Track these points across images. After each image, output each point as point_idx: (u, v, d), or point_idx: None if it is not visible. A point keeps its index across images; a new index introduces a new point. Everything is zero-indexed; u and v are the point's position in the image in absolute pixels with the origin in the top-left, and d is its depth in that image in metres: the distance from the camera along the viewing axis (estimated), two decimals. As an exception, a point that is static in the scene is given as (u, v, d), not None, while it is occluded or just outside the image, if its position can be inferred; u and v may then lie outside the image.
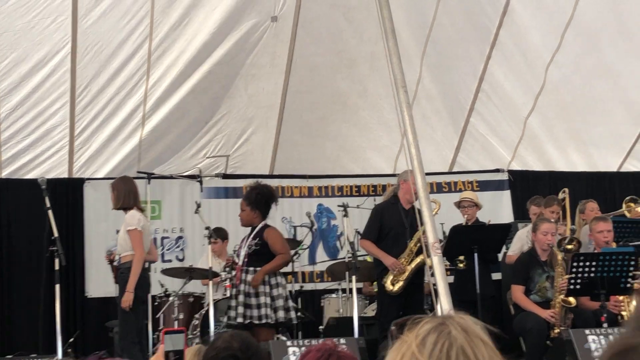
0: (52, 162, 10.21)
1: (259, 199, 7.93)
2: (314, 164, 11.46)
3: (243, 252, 7.82)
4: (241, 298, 7.66)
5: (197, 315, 8.72)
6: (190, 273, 9.12)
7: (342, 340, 6.63)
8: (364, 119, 11.23)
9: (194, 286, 9.37)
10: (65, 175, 10.37)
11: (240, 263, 7.81)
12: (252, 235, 7.87)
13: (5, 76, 9.24)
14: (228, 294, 8.53)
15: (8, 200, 10.25)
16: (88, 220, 10.47)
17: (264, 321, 7.56)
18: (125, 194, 7.87)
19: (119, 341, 7.82)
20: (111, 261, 8.48)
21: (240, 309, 7.62)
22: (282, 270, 9.68)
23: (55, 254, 7.32)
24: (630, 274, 7.55)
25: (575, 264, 7.63)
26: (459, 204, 9.45)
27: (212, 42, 9.65)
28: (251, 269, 7.73)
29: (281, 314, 7.65)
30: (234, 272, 8.18)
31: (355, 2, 9.83)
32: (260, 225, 7.91)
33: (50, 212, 7.55)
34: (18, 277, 10.14)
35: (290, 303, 7.84)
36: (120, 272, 7.78)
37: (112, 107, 9.93)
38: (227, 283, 8.74)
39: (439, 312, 6.69)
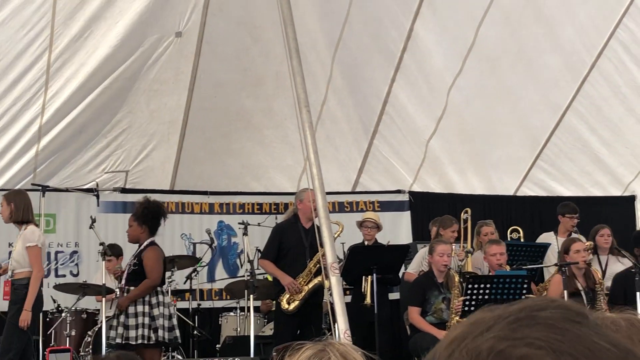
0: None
1: (146, 213, 7.87)
2: (216, 181, 11.40)
3: (125, 271, 7.71)
4: (122, 318, 7.56)
5: (90, 332, 8.55)
6: (84, 289, 8.93)
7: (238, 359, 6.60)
8: (268, 138, 11.22)
9: (88, 302, 9.17)
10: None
11: (122, 282, 7.71)
12: (134, 254, 7.79)
13: None
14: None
15: None
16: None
17: (139, 342, 7.45)
18: (24, 207, 7.67)
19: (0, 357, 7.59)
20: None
21: (120, 330, 7.52)
22: (179, 288, 9.61)
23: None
24: (524, 297, 7.71)
25: (470, 285, 7.77)
26: (360, 224, 9.52)
27: (114, 55, 9.49)
28: (131, 288, 7.64)
29: (162, 333, 7.55)
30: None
31: (261, 21, 9.82)
32: (145, 243, 7.83)
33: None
34: None
35: (174, 322, 7.74)
36: (15, 289, 7.55)
37: (8, 118, 9.67)
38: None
39: (336, 333, 6.72)
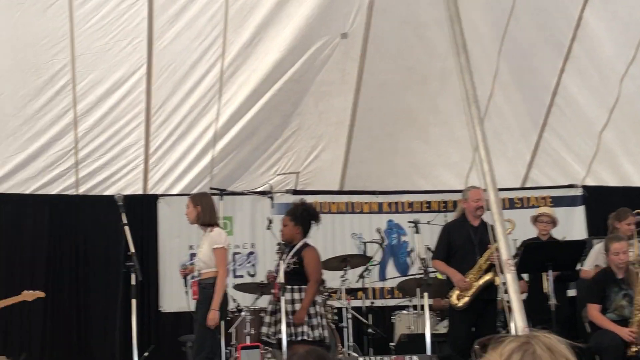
0: (128, 180, 10.42)
1: (304, 215, 8.04)
2: (384, 180, 11.46)
3: (282, 270, 7.86)
4: (278, 316, 7.75)
5: (267, 331, 8.76)
6: (261, 289, 9.18)
7: (415, 358, 6.62)
8: (434, 136, 11.19)
9: (265, 301, 9.41)
10: (140, 192, 10.58)
11: (278, 281, 7.85)
12: (292, 253, 7.93)
13: (82, 97, 9.47)
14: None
15: (85, 217, 10.47)
16: (162, 236, 10.64)
17: (299, 338, 7.60)
18: (209, 210, 7.94)
19: (194, 356, 7.88)
20: (185, 276, 8.56)
21: (278, 326, 7.71)
22: (352, 286, 9.72)
23: (132, 269, 7.44)
24: None
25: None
26: (535, 219, 9.33)
27: (283, 60, 9.75)
28: (288, 287, 7.79)
29: (318, 332, 7.72)
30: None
31: (425, 18, 9.83)
32: (300, 244, 8.00)
33: (126, 228, 7.66)
34: (95, 292, 10.34)
35: (319, 320, 7.85)
36: (202, 288, 7.83)
37: (185, 126, 10.10)
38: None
39: (513, 330, 6.63)
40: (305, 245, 8.01)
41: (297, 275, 7.83)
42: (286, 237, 8.08)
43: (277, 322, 7.77)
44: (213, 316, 7.57)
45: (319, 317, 7.80)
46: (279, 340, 7.60)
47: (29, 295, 8.46)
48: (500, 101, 10.75)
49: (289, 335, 7.62)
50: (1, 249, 10.12)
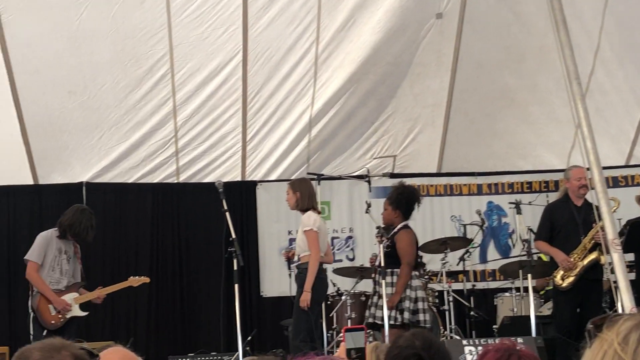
0: (226, 167, 10.56)
1: (400, 199, 8.01)
2: (483, 161, 11.31)
3: (381, 253, 7.86)
4: (375, 299, 7.77)
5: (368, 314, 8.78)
6: (361, 272, 9.20)
7: (520, 340, 6.52)
8: (533, 115, 10.98)
9: (365, 285, 9.43)
10: (239, 179, 10.70)
11: (377, 263, 7.85)
12: (389, 236, 7.91)
13: (181, 86, 9.63)
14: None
15: (186, 204, 10.67)
16: (261, 221, 10.75)
17: (391, 322, 7.59)
18: (308, 195, 8.01)
19: (291, 340, 7.97)
20: (289, 259, 8.67)
21: (373, 310, 7.76)
22: (453, 269, 9.65)
23: (234, 254, 7.54)
24: None
25: None
26: (640, 198, 9.09)
27: (377, 42, 9.70)
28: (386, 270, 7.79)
29: (407, 315, 7.67)
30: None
31: (522, -5, 9.64)
32: (398, 227, 7.98)
33: (227, 214, 7.77)
34: (198, 277, 10.53)
35: (420, 305, 7.80)
36: (299, 272, 7.93)
37: (281, 112, 10.17)
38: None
39: (620, 310, 6.48)
40: (402, 227, 7.98)
41: (391, 258, 7.84)
42: (386, 220, 8.11)
43: (375, 305, 7.80)
44: (305, 297, 7.63)
45: (415, 301, 7.75)
46: (371, 324, 7.64)
47: (135, 280, 8.67)
48: (601, 78, 10.46)
49: (388, 319, 7.60)
50: (106, 237, 10.38)
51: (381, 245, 7.81)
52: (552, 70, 9.59)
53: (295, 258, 8.18)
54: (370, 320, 7.80)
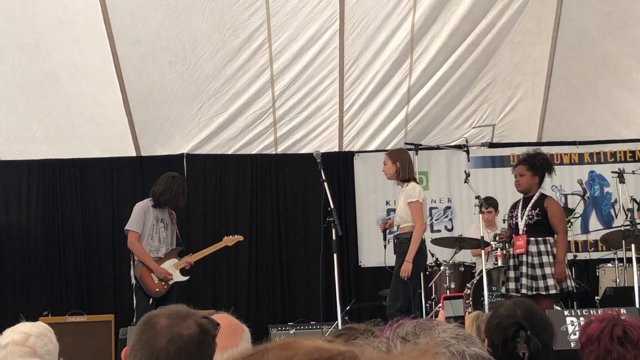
0: (324, 137, 10.60)
1: (544, 165, 7.77)
2: (584, 130, 11.07)
3: (522, 222, 7.68)
4: (524, 269, 7.56)
5: (468, 285, 8.74)
6: (460, 243, 9.14)
7: (623, 310, 6.37)
8: (637, 82, 10.68)
9: (464, 256, 9.38)
10: (336, 150, 10.73)
11: (520, 232, 7.66)
12: (531, 204, 7.71)
13: (278, 55, 9.69)
14: (499, 264, 8.51)
15: (285, 175, 10.76)
16: (359, 192, 10.77)
17: (552, 292, 7.43)
18: (407, 165, 7.99)
19: (388, 308, 7.97)
20: (384, 230, 8.67)
21: (524, 280, 7.53)
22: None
23: (332, 224, 7.57)
24: None
25: None
26: None
27: (475, 10, 9.58)
28: (532, 239, 7.60)
29: (566, 283, 7.52)
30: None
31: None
32: (537, 194, 7.76)
33: (325, 185, 7.82)
34: (297, 247, 10.64)
35: (568, 272, 7.67)
36: (399, 242, 7.92)
37: (378, 81, 10.13)
38: (498, 253, 8.68)
39: None
40: (545, 195, 7.82)
41: (540, 226, 7.63)
42: (523, 187, 7.79)
43: (522, 276, 7.57)
44: (406, 267, 7.62)
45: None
46: (527, 295, 7.32)
47: (229, 240, 8.82)
48: None
49: (542, 289, 7.47)
50: (207, 209, 10.57)
51: (525, 215, 7.66)
52: (656, 35, 9.34)
53: (394, 228, 8.17)
54: (524, 291, 7.48)
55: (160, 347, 2.45)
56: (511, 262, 7.72)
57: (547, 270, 7.50)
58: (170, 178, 8.32)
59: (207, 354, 2.56)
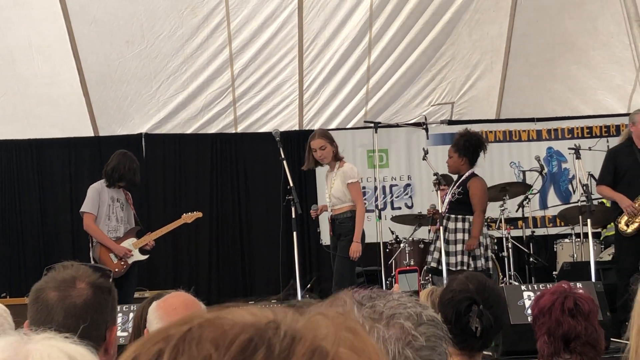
0: (284, 116, 10.59)
1: (467, 146, 7.90)
2: (542, 106, 11.18)
3: (447, 200, 7.82)
4: (438, 244, 7.72)
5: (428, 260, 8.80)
6: (419, 220, 9.19)
7: (578, 284, 6.45)
8: (594, 59, 10.78)
9: (424, 233, 9.44)
10: (296, 128, 10.73)
11: (442, 210, 7.79)
12: (457, 184, 7.88)
13: (236, 34, 9.64)
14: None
15: (245, 153, 10.74)
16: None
17: (460, 268, 7.55)
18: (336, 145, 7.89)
19: (333, 287, 7.93)
20: (316, 217, 8.57)
21: (436, 255, 7.70)
22: (512, 216, 9.58)
23: (292, 202, 7.56)
24: None
25: None
26: None
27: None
28: (452, 216, 7.78)
29: (480, 262, 7.66)
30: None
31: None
32: (467, 174, 7.91)
33: (285, 163, 7.80)
34: (257, 226, 10.64)
35: (490, 253, 7.79)
36: (340, 223, 7.79)
37: (337, 59, 10.13)
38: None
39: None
40: (472, 175, 7.95)
41: (461, 205, 7.80)
42: (452, 169, 8.04)
43: (435, 250, 7.80)
44: (356, 248, 7.58)
45: (482, 248, 7.76)
46: (436, 269, 7.66)
47: (188, 217, 8.77)
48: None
49: (452, 264, 7.63)
50: (166, 189, 10.53)
51: (450, 193, 7.78)
52: (613, 12, 9.40)
53: (329, 210, 8.02)
54: (434, 265, 7.78)
55: (58, 325, 2.30)
56: (433, 237, 7.91)
57: (460, 247, 7.69)
58: (121, 154, 8.21)
59: (108, 309, 2.46)
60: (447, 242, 7.72)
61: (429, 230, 9.10)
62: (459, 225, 7.79)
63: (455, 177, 8.27)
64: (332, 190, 7.90)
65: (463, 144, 7.93)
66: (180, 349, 0.84)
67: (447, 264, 7.62)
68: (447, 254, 7.67)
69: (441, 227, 7.75)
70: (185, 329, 0.86)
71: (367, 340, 0.87)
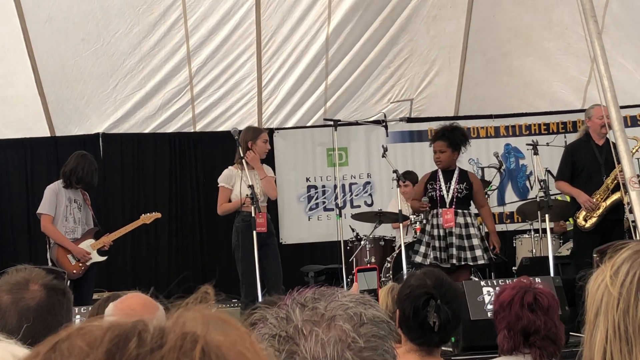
0: (243, 114, 10.52)
1: (463, 140, 7.87)
2: (500, 102, 11.24)
3: (449, 195, 7.78)
4: (453, 239, 7.67)
5: (389, 258, 8.82)
6: (379, 217, 9.20)
7: (538, 279, 6.49)
8: (549, 51, 10.85)
9: (384, 230, 9.44)
10: (255, 126, 10.66)
11: (448, 206, 7.76)
12: (456, 179, 7.84)
13: (194, 31, 9.56)
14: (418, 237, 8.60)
15: (204, 153, 10.67)
16: (279, 169, 10.71)
17: (480, 262, 7.66)
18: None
19: (276, 287, 7.93)
20: None
21: (454, 251, 7.64)
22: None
23: (252, 201, 7.54)
24: None
25: None
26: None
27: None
28: (459, 211, 7.77)
29: (489, 253, 7.77)
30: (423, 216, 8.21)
31: None
32: (458, 169, 7.95)
33: (244, 161, 7.77)
34: (216, 225, 10.56)
35: (486, 244, 7.82)
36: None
37: (296, 57, 10.10)
38: (417, 226, 8.75)
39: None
40: (464, 169, 8.06)
41: (466, 199, 7.85)
42: (444, 164, 7.88)
43: (449, 246, 7.70)
44: None
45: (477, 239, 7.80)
46: (452, 265, 7.58)
47: (147, 217, 8.72)
48: (617, 9, 10.25)
49: (472, 259, 7.65)
50: (125, 189, 10.43)
51: (455, 188, 7.77)
52: (567, 4, 9.48)
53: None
54: (418, 259, 7.72)
55: (11, 328, 2.27)
56: (436, 233, 7.81)
57: (475, 241, 7.72)
58: (80, 156, 8.14)
59: (63, 311, 2.43)
60: (460, 237, 7.69)
61: (413, 228, 8.93)
62: (468, 219, 7.80)
63: (419, 175, 8.29)
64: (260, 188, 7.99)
65: (460, 139, 7.87)
66: (52, 356, 0.84)
67: (465, 259, 7.62)
68: (463, 249, 7.65)
69: (428, 224, 7.76)
70: (54, 341, 0.86)
71: (237, 325, 0.91)
